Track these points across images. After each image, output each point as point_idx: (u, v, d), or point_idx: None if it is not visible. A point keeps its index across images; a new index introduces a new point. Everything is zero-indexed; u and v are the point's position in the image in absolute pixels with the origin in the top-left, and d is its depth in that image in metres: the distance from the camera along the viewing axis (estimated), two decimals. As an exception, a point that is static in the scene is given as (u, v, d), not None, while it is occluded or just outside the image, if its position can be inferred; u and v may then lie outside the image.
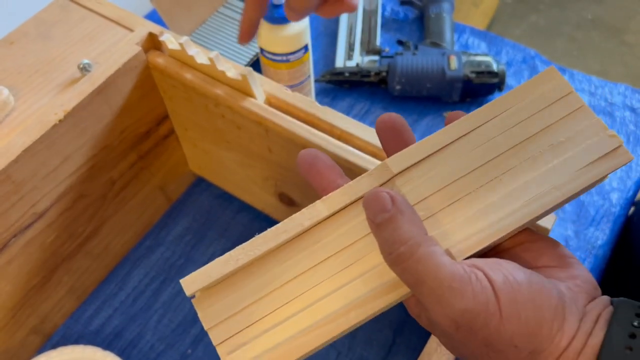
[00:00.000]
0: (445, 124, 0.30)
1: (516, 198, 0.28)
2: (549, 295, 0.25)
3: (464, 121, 0.29)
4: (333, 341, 0.28)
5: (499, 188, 0.28)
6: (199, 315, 0.29)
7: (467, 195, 0.28)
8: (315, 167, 0.30)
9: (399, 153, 0.29)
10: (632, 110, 0.67)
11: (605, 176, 0.28)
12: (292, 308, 0.28)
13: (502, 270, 0.25)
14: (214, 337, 0.28)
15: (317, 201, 0.29)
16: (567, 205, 0.60)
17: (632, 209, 0.64)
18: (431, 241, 0.26)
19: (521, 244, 0.29)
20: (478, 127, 0.29)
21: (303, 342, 0.27)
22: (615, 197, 0.61)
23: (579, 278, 0.27)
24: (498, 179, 0.28)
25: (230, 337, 0.28)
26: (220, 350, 0.28)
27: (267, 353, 0.28)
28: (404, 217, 0.26)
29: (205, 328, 0.29)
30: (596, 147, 0.28)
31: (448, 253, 0.27)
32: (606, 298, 0.27)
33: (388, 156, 0.30)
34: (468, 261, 0.26)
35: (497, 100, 0.30)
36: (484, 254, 0.28)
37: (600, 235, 0.58)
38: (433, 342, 0.36)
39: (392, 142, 0.31)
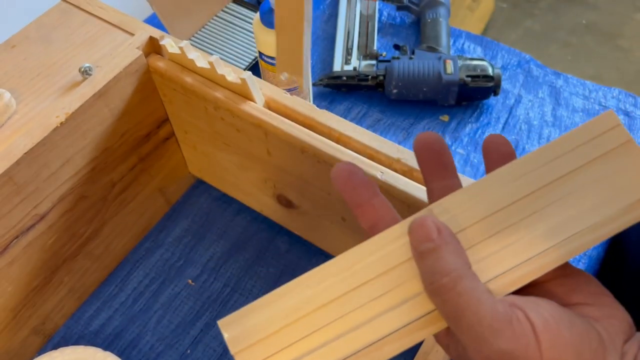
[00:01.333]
0: (483, 149, 0.30)
1: (559, 234, 0.26)
2: (589, 338, 0.25)
3: (511, 169, 0.28)
4: None
5: (540, 222, 0.27)
6: (225, 337, 0.27)
7: (508, 227, 0.27)
8: (351, 183, 0.29)
9: (444, 199, 0.28)
10: (626, 114, 0.68)
11: None
12: (323, 337, 0.27)
13: (542, 311, 0.25)
14: None
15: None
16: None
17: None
18: (474, 276, 0.25)
19: (554, 279, 0.28)
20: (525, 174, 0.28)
21: None
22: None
23: (615, 317, 0.26)
24: (539, 212, 0.27)
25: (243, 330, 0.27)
26: (225, 330, 0.27)
27: None
28: (449, 248, 0.25)
29: (232, 352, 0.27)
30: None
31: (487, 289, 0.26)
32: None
33: (424, 175, 0.30)
34: (508, 299, 0.25)
35: (547, 147, 0.28)
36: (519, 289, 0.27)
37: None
38: (429, 341, 0.36)
39: (430, 163, 0.30)
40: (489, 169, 0.30)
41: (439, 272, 0.25)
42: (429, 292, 0.25)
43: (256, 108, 0.46)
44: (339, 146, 0.44)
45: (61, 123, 0.45)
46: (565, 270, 0.28)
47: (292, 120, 0.45)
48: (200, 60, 0.47)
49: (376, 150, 0.43)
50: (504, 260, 0.26)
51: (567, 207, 0.27)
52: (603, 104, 0.69)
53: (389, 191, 0.41)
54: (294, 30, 0.36)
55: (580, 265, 0.57)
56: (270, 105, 0.47)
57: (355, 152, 0.43)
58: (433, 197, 0.30)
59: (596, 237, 0.27)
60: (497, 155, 0.29)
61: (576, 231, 0.26)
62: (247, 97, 0.46)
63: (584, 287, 0.27)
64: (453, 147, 0.66)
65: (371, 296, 0.27)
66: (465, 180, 0.38)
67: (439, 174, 0.30)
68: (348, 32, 0.73)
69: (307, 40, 0.37)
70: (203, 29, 0.72)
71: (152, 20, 0.74)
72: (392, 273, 0.27)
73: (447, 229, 0.26)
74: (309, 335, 0.27)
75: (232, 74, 0.46)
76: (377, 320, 0.27)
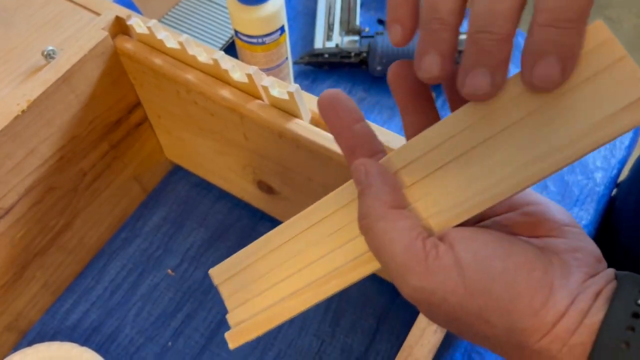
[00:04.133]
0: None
1: (511, 161, 0.24)
2: (529, 268, 0.24)
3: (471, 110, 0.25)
4: (315, 304, 0.29)
5: (494, 150, 0.24)
6: (210, 272, 0.33)
7: (460, 156, 0.25)
8: (332, 108, 0.29)
9: (402, 147, 0.27)
10: (616, 87, 0.66)
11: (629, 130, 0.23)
12: (285, 270, 0.30)
13: (476, 243, 0.24)
14: (223, 291, 0.33)
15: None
16: (551, 185, 0.59)
17: (615, 190, 0.64)
18: (396, 215, 0.25)
19: (519, 208, 0.27)
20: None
21: (289, 306, 0.30)
22: (599, 176, 0.60)
23: (579, 251, 0.25)
24: (493, 138, 0.24)
25: (237, 292, 0.32)
26: (228, 305, 0.33)
27: (261, 313, 0.31)
28: (371, 191, 0.26)
29: (215, 283, 0.33)
30: (614, 97, 0.22)
31: (427, 224, 0.26)
32: (610, 272, 0.25)
33: (401, 113, 0.29)
34: (441, 234, 0.25)
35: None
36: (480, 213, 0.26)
37: (585, 215, 0.58)
38: (415, 333, 0.35)
39: (406, 95, 0.28)
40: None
41: (360, 214, 0.26)
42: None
43: (229, 91, 0.43)
44: (318, 130, 0.41)
45: (23, 111, 0.42)
46: (533, 200, 0.27)
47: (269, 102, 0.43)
48: (169, 40, 0.44)
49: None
50: (453, 193, 0.25)
51: (527, 129, 0.24)
52: (593, 77, 0.67)
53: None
54: None
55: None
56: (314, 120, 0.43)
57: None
58: (408, 132, 0.29)
59: (555, 162, 0.23)
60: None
61: (532, 156, 0.23)
62: (255, 95, 0.43)
63: (551, 217, 0.26)
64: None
65: (324, 234, 0.29)
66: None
67: (414, 103, 0.28)
68: (329, 7, 0.70)
69: None
70: (176, 7, 0.68)
71: (124, 0, 0.71)
72: (343, 212, 0.29)
73: (376, 170, 0.26)
74: (275, 268, 0.31)
75: (204, 54, 0.44)
76: (326, 257, 0.29)
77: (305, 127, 0.41)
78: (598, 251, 0.26)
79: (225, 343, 0.52)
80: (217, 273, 0.34)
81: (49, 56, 0.46)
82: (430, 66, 0.23)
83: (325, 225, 0.30)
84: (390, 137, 0.41)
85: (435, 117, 0.28)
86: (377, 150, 0.29)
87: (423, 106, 0.28)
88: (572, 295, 0.23)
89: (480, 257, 0.24)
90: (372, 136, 0.29)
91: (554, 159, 0.23)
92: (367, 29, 0.69)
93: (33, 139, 0.44)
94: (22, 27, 0.48)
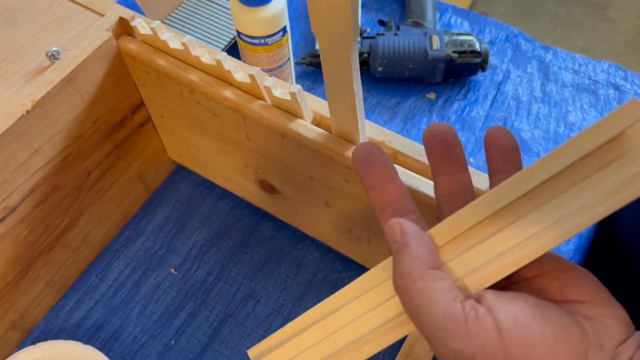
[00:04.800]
0: (485, 142, 0.29)
1: (539, 221, 0.25)
2: (566, 335, 0.24)
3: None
4: None
5: (524, 213, 0.25)
6: (248, 352, 0.32)
7: (489, 221, 0.26)
8: (367, 163, 0.29)
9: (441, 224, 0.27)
10: (616, 88, 0.67)
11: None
12: (315, 334, 0.29)
13: (516, 307, 0.24)
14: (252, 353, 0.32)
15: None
16: (551, 186, 0.60)
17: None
18: (434, 276, 0.25)
19: (549, 273, 0.27)
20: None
21: None
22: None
23: (609, 317, 0.25)
24: (526, 210, 0.26)
25: (264, 351, 0.31)
26: (250, 354, 0.31)
27: None
28: (407, 251, 0.26)
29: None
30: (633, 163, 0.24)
31: (462, 285, 0.25)
32: (638, 335, 0.25)
33: (432, 167, 0.29)
34: (478, 295, 0.25)
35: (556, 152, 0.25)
36: (507, 280, 0.27)
37: (584, 215, 0.58)
38: (416, 332, 0.35)
39: (440, 155, 0.29)
40: (490, 163, 0.29)
41: (396, 273, 0.26)
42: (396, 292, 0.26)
43: (232, 91, 0.44)
44: (320, 130, 0.42)
45: (27, 111, 0.42)
46: (561, 265, 0.27)
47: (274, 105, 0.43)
48: (173, 41, 0.45)
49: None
50: (482, 253, 0.25)
51: (552, 200, 0.25)
52: (593, 78, 0.68)
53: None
54: (344, 93, 0.33)
55: (571, 244, 0.56)
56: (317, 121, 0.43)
57: (338, 135, 0.41)
58: (439, 190, 0.29)
59: (583, 222, 0.24)
60: (498, 149, 0.28)
61: (560, 216, 0.25)
62: (258, 96, 0.43)
63: (580, 283, 0.26)
64: (440, 126, 0.65)
65: (354, 298, 0.28)
66: (474, 174, 0.36)
67: (447, 166, 0.29)
68: (331, 8, 0.70)
69: (359, 99, 0.34)
70: (178, 9, 0.69)
71: (126, 1, 0.71)
72: (374, 275, 0.28)
73: (412, 229, 0.26)
74: (305, 330, 0.29)
75: (207, 55, 0.44)
76: (357, 321, 0.27)
77: (307, 127, 0.42)
78: (626, 316, 0.26)
79: (227, 341, 0.52)
80: (255, 353, 0.32)
81: (53, 57, 0.46)
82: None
83: (353, 291, 0.29)
84: (390, 136, 0.41)
85: (467, 180, 0.29)
86: (410, 209, 0.29)
87: (456, 167, 0.29)
88: None
89: (520, 323, 0.24)
90: (405, 195, 0.29)
91: (578, 221, 0.24)
92: (368, 30, 0.69)
93: (38, 139, 0.44)
94: (26, 27, 0.48)
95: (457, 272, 0.26)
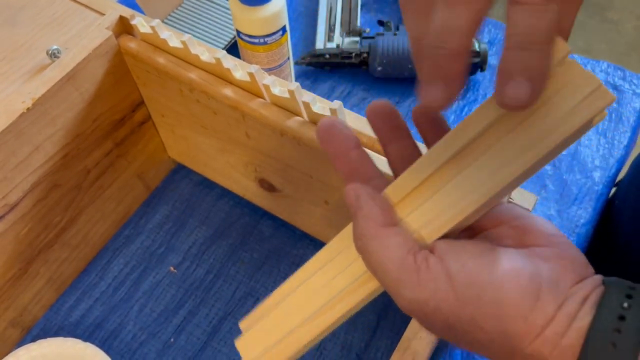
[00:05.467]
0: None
1: (486, 166, 0.26)
2: (516, 275, 0.25)
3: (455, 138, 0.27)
4: (327, 333, 0.30)
5: (471, 160, 0.27)
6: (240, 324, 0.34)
7: (441, 169, 0.27)
8: (329, 135, 0.30)
9: (396, 182, 0.29)
10: (615, 87, 0.67)
11: (588, 125, 0.25)
12: (292, 302, 0.31)
13: (464, 253, 0.26)
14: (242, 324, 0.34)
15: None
16: (550, 184, 0.60)
17: (614, 189, 0.64)
18: (388, 233, 0.26)
19: (507, 222, 0.28)
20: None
21: (299, 336, 0.30)
22: (597, 175, 0.60)
23: (566, 258, 0.26)
24: (470, 149, 0.27)
25: (253, 322, 0.33)
26: (241, 326, 0.33)
27: (273, 346, 0.31)
28: (361, 213, 0.27)
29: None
30: (572, 96, 0.25)
31: (418, 236, 0.27)
32: (597, 278, 0.26)
33: (380, 140, 0.31)
34: (431, 246, 0.27)
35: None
36: (469, 230, 0.28)
37: (583, 214, 0.58)
38: (414, 327, 0.35)
39: (383, 127, 0.31)
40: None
41: (355, 235, 0.27)
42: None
43: (232, 89, 0.44)
44: (319, 127, 0.42)
45: (27, 109, 0.43)
46: (517, 214, 0.28)
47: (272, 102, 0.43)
48: (172, 39, 0.45)
49: (358, 132, 0.41)
50: (434, 205, 0.27)
51: (500, 140, 0.26)
52: (592, 77, 0.68)
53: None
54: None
55: (569, 243, 0.56)
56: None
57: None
58: (391, 157, 0.31)
59: (526, 161, 0.25)
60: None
61: (504, 159, 0.26)
62: (257, 94, 0.44)
63: (536, 229, 0.28)
64: (439, 125, 0.65)
65: (326, 261, 0.30)
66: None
67: (393, 135, 0.31)
68: (330, 9, 0.71)
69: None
70: (178, 9, 0.69)
71: (127, 1, 0.71)
72: (343, 238, 0.30)
73: (364, 193, 0.28)
74: (284, 300, 0.31)
75: (207, 53, 0.44)
76: (329, 283, 0.29)
77: (306, 125, 0.42)
78: (584, 258, 0.27)
79: (226, 339, 0.52)
80: (245, 325, 0.34)
81: (53, 55, 0.46)
82: (436, 96, 0.24)
83: (325, 256, 0.31)
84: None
85: (412, 144, 0.31)
86: (373, 175, 0.30)
87: (403, 136, 0.31)
88: (559, 300, 0.24)
89: (468, 267, 0.25)
90: (368, 162, 0.31)
91: (523, 159, 0.25)
92: (367, 30, 0.69)
93: (38, 137, 0.45)
94: (27, 26, 0.49)
95: (414, 225, 0.27)
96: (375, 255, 0.26)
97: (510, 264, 0.25)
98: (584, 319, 0.24)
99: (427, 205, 0.27)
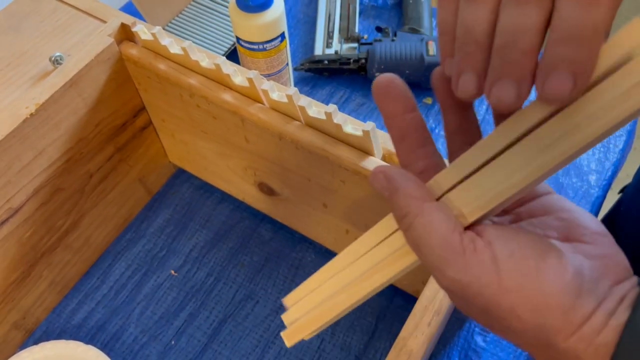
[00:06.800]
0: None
1: (530, 149, 0.25)
2: (562, 270, 0.25)
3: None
4: (363, 298, 0.31)
5: (521, 142, 0.25)
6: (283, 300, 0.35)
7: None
8: (388, 92, 0.29)
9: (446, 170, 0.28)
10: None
11: None
12: (332, 269, 0.32)
13: (513, 242, 0.25)
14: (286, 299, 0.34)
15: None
16: (546, 188, 0.60)
17: (620, 195, 0.65)
18: (432, 208, 0.26)
19: (555, 213, 0.28)
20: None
21: (337, 301, 0.31)
22: (593, 178, 0.61)
23: (608, 258, 0.26)
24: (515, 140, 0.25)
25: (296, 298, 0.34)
26: (285, 302, 0.34)
27: (313, 310, 0.32)
28: (400, 192, 0.27)
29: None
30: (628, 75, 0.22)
31: (459, 213, 0.26)
32: (635, 279, 0.26)
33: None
34: (479, 229, 0.26)
35: None
36: (515, 214, 0.28)
37: (579, 217, 0.59)
38: (409, 325, 0.36)
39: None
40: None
41: (397, 216, 0.27)
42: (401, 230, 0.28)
43: (231, 94, 0.45)
44: (317, 132, 0.43)
45: (31, 114, 0.43)
46: (565, 207, 0.28)
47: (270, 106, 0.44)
48: (173, 46, 0.46)
49: (356, 136, 0.42)
50: (478, 182, 0.26)
51: (546, 125, 0.25)
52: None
53: (367, 176, 0.41)
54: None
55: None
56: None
57: (335, 138, 0.42)
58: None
59: (577, 141, 0.24)
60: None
61: (553, 139, 0.24)
62: (256, 99, 0.45)
63: (584, 225, 0.27)
64: (437, 130, 0.66)
65: (366, 237, 0.30)
66: None
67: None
68: (329, 15, 0.72)
69: None
70: (180, 15, 0.70)
71: (129, 9, 0.73)
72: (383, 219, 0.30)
73: (396, 173, 0.27)
74: (321, 271, 0.32)
75: (207, 59, 0.45)
76: (368, 254, 0.30)
77: (303, 129, 0.43)
78: (626, 260, 0.27)
79: (227, 341, 0.53)
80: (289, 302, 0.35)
81: (56, 62, 0.47)
82: (468, 85, 0.25)
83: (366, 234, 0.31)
84: (388, 139, 0.42)
85: (472, 116, 0.30)
86: (427, 141, 0.29)
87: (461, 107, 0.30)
88: (599, 299, 0.25)
89: (516, 256, 0.25)
90: (424, 127, 0.30)
91: (568, 143, 0.24)
92: (365, 36, 0.70)
93: (41, 141, 0.45)
94: (31, 33, 0.50)
95: (455, 202, 0.26)
96: (420, 230, 0.26)
97: (556, 258, 0.25)
98: (620, 318, 0.24)
99: (468, 183, 0.26)
